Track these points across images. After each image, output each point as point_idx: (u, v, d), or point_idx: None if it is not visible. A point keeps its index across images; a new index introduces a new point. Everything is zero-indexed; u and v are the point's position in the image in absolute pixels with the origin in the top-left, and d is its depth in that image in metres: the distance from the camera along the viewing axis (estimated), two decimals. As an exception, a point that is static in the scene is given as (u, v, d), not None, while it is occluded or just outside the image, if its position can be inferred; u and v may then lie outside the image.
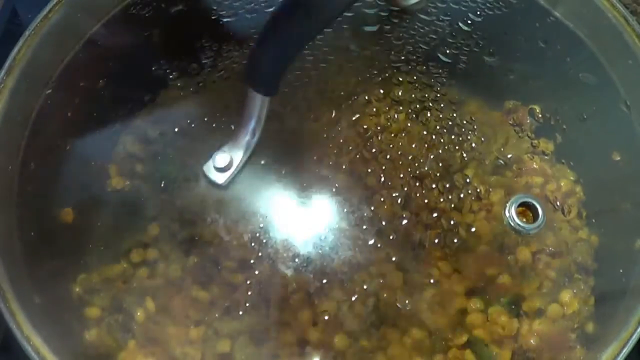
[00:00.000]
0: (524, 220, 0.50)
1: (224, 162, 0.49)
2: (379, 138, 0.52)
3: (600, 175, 0.54)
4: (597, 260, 0.51)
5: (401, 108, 0.53)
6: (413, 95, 0.54)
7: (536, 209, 0.50)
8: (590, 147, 0.55)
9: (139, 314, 0.48)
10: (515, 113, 0.55)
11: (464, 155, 0.52)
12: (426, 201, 0.50)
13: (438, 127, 0.53)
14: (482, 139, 0.53)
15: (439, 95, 0.54)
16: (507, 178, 0.53)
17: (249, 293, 0.48)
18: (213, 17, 0.56)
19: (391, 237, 0.49)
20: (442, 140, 0.52)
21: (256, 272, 0.48)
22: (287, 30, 0.43)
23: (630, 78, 0.52)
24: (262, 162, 0.50)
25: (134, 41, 0.56)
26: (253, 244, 0.48)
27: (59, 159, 0.52)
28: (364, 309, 0.48)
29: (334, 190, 0.50)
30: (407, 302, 0.48)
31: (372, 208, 0.50)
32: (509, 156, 0.53)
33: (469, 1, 0.56)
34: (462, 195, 0.51)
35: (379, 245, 0.49)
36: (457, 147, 0.52)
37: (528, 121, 0.55)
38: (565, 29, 0.55)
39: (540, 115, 0.55)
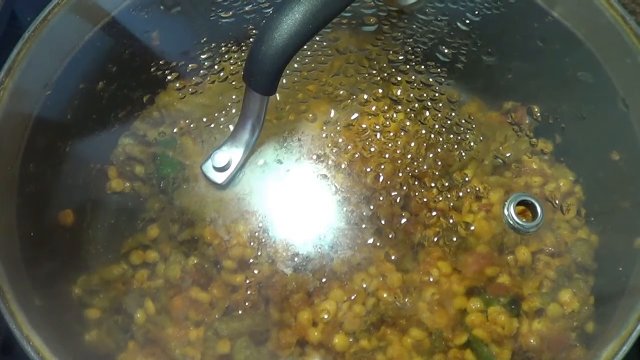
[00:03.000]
0: (523, 219, 0.50)
1: (223, 162, 0.49)
2: (378, 137, 0.52)
3: (600, 174, 0.54)
4: (597, 259, 0.51)
5: (400, 107, 0.53)
6: (412, 95, 0.54)
7: (535, 208, 0.50)
8: (589, 146, 0.55)
9: (138, 315, 0.49)
10: (514, 112, 0.55)
11: (463, 154, 0.52)
12: (425, 200, 0.50)
13: (437, 127, 0.53)
14: (481, 139, 0.53)
15: (437, 94, 0.54)
16: (506, 178, 0.52)
17: (249, 293, 0.48)
18: (212, 17, 0.56)
19: (390, 237, 0.49)
20: (440, 140, 0.52)
21: (256, 272, 0.48)
22: (286, 30, 0.43)
23: (628, 77, 0.52)
24: (261, 161, 0.51)
25: (132, 43, 0.56)
26: (252, 244, 0.49)
27: (59, 161, 0.53)
28: (363, 309, 0.48)
29: (333, 189, 0.50)
30: (406, 301, 0.48)
31: (371, 207, 0.50)
32: (508, 156, 0.53)
33: (467, 1, 0.56)
34: (461, 195, 0.51)
35: (378, 245, 0.49)
36: (456, 147, 0.52)
37: (527, 121, 0.55)
38: (564, 28, 0.55)
39: (539, 115, 0.55)
